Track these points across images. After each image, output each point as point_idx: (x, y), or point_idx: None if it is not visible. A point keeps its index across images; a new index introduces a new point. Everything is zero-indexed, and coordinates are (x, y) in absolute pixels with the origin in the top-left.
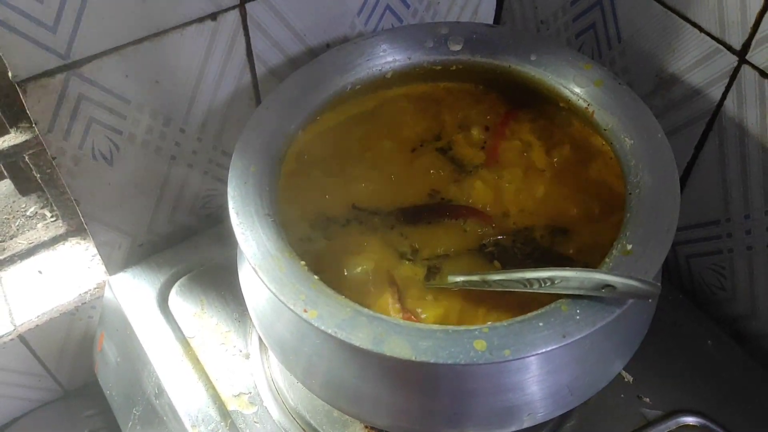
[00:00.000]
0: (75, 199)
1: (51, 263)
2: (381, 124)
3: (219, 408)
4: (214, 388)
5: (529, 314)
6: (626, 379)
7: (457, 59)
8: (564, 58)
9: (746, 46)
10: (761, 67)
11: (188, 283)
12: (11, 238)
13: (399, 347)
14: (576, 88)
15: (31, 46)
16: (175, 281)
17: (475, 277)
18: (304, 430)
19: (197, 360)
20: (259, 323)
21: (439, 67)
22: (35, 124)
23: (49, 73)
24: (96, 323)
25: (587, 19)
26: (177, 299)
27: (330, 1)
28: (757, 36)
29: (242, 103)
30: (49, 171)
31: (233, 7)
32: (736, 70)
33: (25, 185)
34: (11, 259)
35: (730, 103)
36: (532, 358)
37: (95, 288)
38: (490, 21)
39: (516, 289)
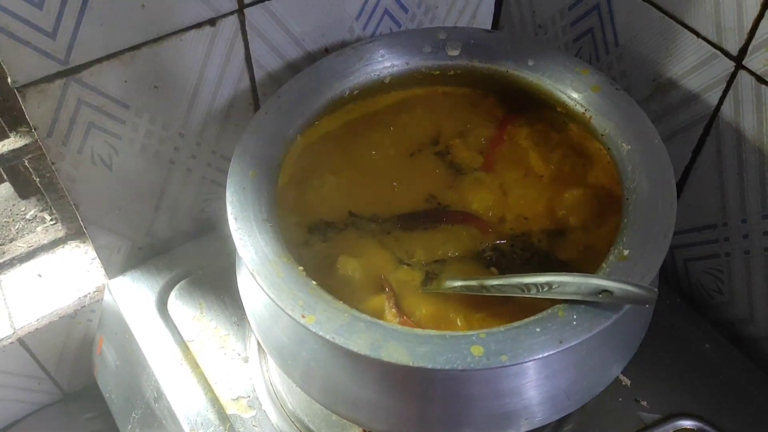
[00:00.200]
0: (74, 203)
1: (50, 267)
2: (379, 129)
3: (218, 411)
4: (212, 392)
5: (526, 320)
6: (624, 383)
7: (455, 64)
8: (561, 64)
9: (743, 51)
10: (758, 72)
11: (187, 287)
12: (11, 242)
13: (396, 353)
14: (573, 93)
15: (31, 52)
16: (174, 285)
17: (472, 282)
18: None
19: (196, 363)
20: (257, 328)
21: (437, 72)
22: (34, 129)
23: (49, 79)
24: (95, 326)
25: (585, 23)
26: (176, 303)
27: (328, 6)
28: (754, 42)
29: (241, 107)
30: (48, 175)
31: (232, 13)
32: (733, 75)
33: (24, 189)
34: (11, 263)
35: (726, 108)
36: (530, 363)
37: (95, 291)
38: (489, 25)
39: (513, 294)
